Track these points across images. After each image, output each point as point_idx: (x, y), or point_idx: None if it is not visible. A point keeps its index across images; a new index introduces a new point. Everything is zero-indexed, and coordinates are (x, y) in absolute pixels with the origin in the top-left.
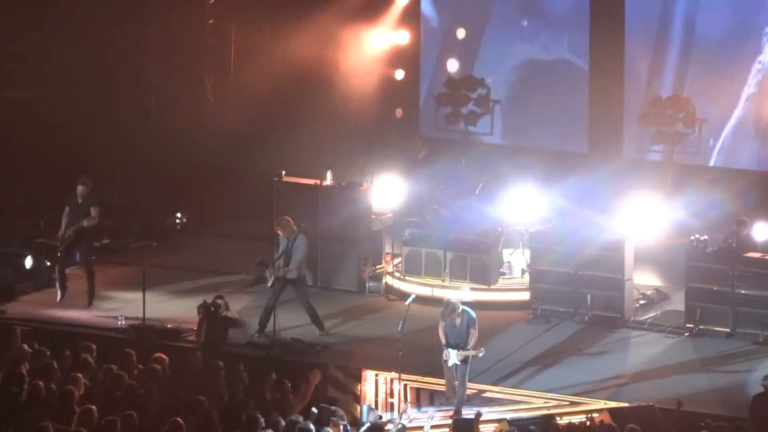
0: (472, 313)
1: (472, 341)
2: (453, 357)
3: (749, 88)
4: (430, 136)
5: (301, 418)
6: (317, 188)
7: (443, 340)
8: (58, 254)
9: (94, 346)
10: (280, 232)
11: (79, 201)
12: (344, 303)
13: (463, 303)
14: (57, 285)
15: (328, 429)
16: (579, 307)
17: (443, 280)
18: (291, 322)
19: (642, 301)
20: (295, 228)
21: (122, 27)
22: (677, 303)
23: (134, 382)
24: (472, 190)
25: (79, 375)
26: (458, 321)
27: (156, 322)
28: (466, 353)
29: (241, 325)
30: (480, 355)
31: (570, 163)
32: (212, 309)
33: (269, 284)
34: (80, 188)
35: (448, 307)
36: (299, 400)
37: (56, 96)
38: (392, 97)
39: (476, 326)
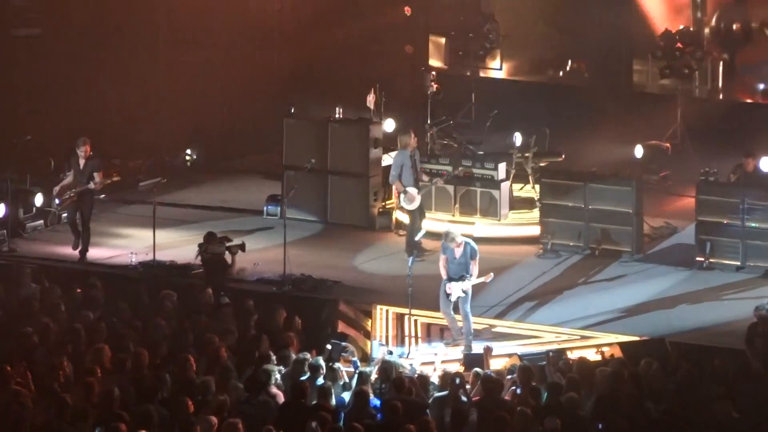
0: (474, 244)
1: (474, 273)
2: (456, 290)
3: None
4: (439, 71)
5: (308, 355)
6: (327, 124)
7: (443, 275)
8: (60, 211)
9: (99, 284)
10: (411, 144)
11: (81, 163)
12: (354, 239)
13: (465, 236)
14: (72, 235)
15: (339, 364)
16: (589, 241)
17: (453, 215)
18: (301, 257)
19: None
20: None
21: None
22: (687, 237)
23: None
24: (481, 125)
25: (89, 313)
26: (458, 252)
27: (166, 260)
28: (474, 281)
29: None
30: (488, 280)
31: (578, 97)
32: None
33: (417, 206)
34: (80, 150)
35: (447, 236)
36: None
37: (67, 33)
38: (401, 33)
39: (477, 258)
